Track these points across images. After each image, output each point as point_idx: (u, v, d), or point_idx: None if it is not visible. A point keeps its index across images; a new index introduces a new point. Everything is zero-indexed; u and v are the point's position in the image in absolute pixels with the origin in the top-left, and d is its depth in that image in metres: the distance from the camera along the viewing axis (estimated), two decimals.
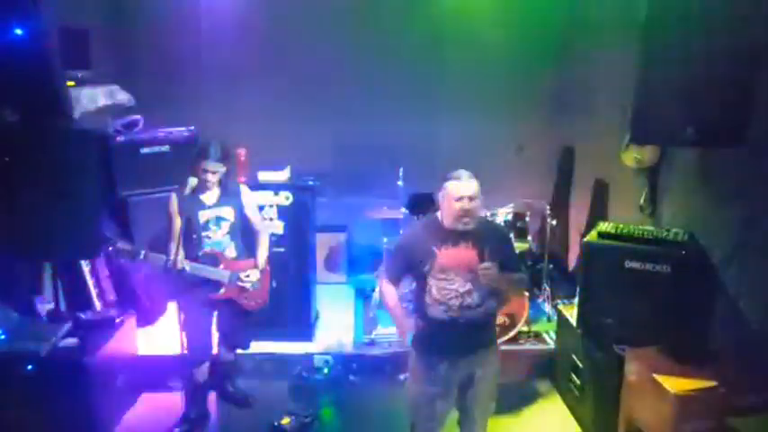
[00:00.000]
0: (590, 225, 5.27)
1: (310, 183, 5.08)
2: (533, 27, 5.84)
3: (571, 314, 4.30)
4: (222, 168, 3.84)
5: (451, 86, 6.02)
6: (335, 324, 5.35)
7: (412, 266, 3.15)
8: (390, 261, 3.43)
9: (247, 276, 3.99)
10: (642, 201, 4.38)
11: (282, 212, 4.93)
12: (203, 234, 3.92)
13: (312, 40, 5.85)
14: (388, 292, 3.29)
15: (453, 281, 3.05)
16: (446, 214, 3.07)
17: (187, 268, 3.81)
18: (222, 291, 3.95)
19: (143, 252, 3.84)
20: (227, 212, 3.96)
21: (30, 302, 4.19)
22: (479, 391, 3.21)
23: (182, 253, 3.81)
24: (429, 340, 3.17)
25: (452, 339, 3.09)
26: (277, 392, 4.54)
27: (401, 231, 5.23)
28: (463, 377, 3.17)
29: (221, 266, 3.94)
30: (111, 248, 3.79)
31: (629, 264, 3.75)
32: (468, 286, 3.05)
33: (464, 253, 3.05)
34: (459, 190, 3.00)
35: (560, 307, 4.63)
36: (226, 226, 3.96)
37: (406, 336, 3.25)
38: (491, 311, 3.20)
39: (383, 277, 3.36)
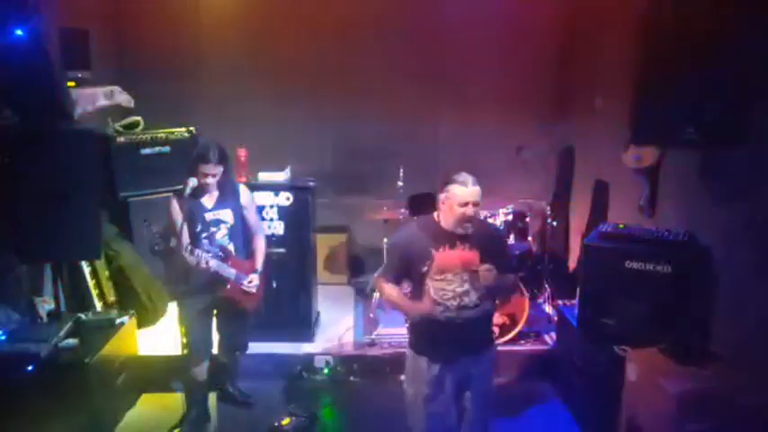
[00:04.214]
0: (590, 225, 5.27)
1: (310, 183, 5.08)
2: (534, 26, 5.86)
3: (571, 314, 4.31)
4: (220, 170, 3.83)
5: (451, 87, 6.02)
6: (336, 324, 5.35)
7: (409, 267, 3.13)
8: (388, 262, 3.41)
9: (250, 282, 3.98)
10: (642, 201, 4.38)
11: (282, 213, 4.93)
12: (203, 236, 3.91)
13: (313, 40, 5.86)
14: (388, 287, 3.20)
15: (451, 281, 3.05)
16: (447, 217, 3.05)
17: (203, 261, 3.77)
18: (228, 287, 3.93)
19: (173, 239, 3.77)
20: (226, 215, 3.94)
21: (30, 303, 4.19)
22: (477, 391, 3.21)
23: (197, 251, 3.78)
24: (425, 341, 3.17)
25: (449, 340, 3.09)
26: (277, 392, 4.55)
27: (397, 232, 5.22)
28: (459, 377, 3.17)
29: (229, 263, 3.93)
30: (147, 231, 3.72)
31: (629, 264, 3.75)
32: (466, 287, 3.05)
33: (462, 254, 3.04)
34: (466, 196, 2.99)
35: (560, 307, 4.63)
36: (224, 228, 3.95)
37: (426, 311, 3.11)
38: (488, 311, 3.21)
39: (381, 278, 3.29)
